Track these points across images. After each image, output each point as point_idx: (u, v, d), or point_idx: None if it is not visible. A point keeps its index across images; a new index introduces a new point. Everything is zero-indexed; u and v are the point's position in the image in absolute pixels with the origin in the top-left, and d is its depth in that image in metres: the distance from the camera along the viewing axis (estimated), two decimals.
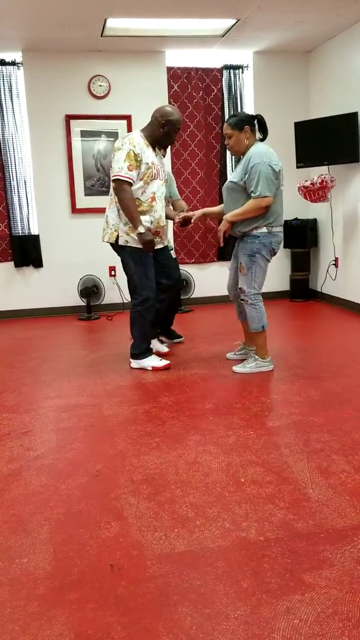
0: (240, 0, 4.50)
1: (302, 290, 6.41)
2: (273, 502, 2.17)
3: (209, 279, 6.36)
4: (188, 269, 6.28)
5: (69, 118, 5.83)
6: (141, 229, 3.61)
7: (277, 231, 3.65)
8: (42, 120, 5.80)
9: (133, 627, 1.56)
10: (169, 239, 4.62)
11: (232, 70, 6.08)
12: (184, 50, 5.81)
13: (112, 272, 6.08)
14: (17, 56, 5.67)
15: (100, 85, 5.85)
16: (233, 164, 6.13)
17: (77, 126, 5.88)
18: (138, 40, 5.45)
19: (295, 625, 1.54)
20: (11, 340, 5.12)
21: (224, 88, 6.12)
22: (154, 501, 2.21)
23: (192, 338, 4.79)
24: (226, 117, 5.87)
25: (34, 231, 6.00)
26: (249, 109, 6.11)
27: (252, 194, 3.51)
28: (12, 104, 5.74)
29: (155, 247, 3.84)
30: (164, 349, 4.25)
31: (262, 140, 3.70)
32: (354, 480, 2.31)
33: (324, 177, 5.49)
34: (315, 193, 5.60)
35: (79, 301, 6.04)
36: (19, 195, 5.88)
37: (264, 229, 3.60)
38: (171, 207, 4.43)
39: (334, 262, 5.98)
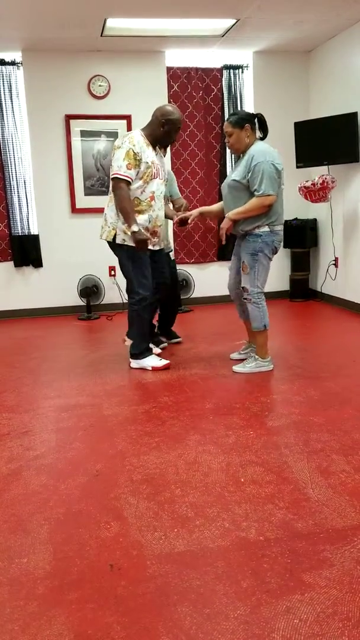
0: (240, 0, 4.50)
1: (302, 290, 6.41)
2: (273, 502, 2.17)
3: (209, 278, 6.36)
4: (188, 269, 6.28)
5: (68, 118, 5.83)
6: (135, 228, 3.61)
7: (278, 230, 3.67)
8: (42, 120, 5.80)
9: (133, 627, 1.56)
10: (169, 240, 4.61)
11: (232, 70, 6.08)
12: (183, 50, 5.81)
13: (112, 272, 6.08)
14: (17, 56, 5.67)
15: (100, 85, 5.85)
16: (233, 163, 6.12)
17: (77, 126, 5.88)
18: (138, 40, 5.45)
19: (295, 625, 1.54)
20: (11, 340, 5.11)
21: (223, 88, 6.12)
22: (153, 501, 2.21)
23: (192, 338, 4.79)
24: (226, 117, 5.87)
25: (34, 231, 6.00)
26: (249, 109, 6.10)
27: (255, 192, 3.51)
28: (12, 103, 5.74)
29: (153, 248, 3.84)
30: (156, 350, 4.23)
31: (262, 139, 3.71)
32: (353, 480, 2.31)
33: (325, 178, 5.48)
34: (316, 193, 5.60)
35: (78, 301, 6.04)
36: (18, 195, 5.88)
37: (266, 228, 3.61)
38: (171, 205, 4.42)
39: (333, 262, 5.98)
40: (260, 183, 3.48)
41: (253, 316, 3.75)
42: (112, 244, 3.84)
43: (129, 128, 5.86)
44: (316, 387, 3.45)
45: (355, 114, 5.24)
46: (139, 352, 3.95)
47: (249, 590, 1.68)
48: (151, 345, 4.18)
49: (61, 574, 1.80)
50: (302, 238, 6.23)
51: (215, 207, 4.06)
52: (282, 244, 3.77)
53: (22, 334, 5.33)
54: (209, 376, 3.75)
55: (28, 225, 5.97)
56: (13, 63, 5.67)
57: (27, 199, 5.92)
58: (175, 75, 6.01)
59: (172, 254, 4.57)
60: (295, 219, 6.24)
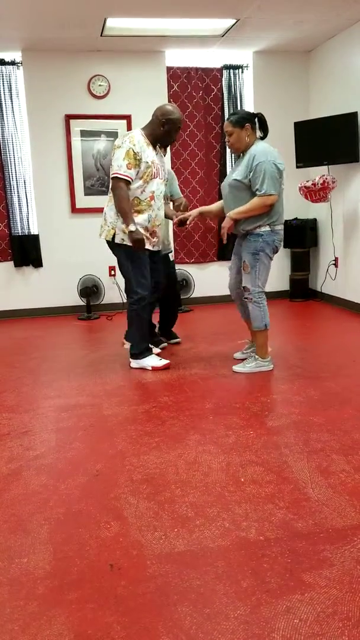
0: (240, 0, 4.50)
1: (302, 290, 6.41)
2: (273, 502, 2.17)
3: (209, 278, 6.36)
4: (188, 269, 6.28)
5: (68, 118, 5.83)
6: (132, 227, 3.62)
7: (279, 229, 3.67)
8: (42, 120, 5.80)
9: (133, 627, 1.56)
10: (170, 241, 4.60)
11: (232, 70, 6.08)
12: (183, 50, 5.81)
13: (112, 272, 6.08)
14: (17, 56, 5.67)
15: (100, 85, 5.85)
16: (233, 163, 6.12)
17: (76, 126, 5.88)
18: (138, 40, 5.45)
19: (295, 624, 1.54)
20: (11, 340, 5.11)
21: (223, 88, 6.12)
22: (153, 501, 2.21)
23: (192, 338, 4.79)
24: (226, 117, 5.87)
25: (34, 231, 6.00)
26: (249, 108, 6.09)
27: (258, 192, 3.51)
28: (12, 103, 5.74)
29: (152, 248, 3.84)
30: (156, 350, 4.22)
31: (262, 138, 3.71)
32: (353, 480, 2.31)
33: (326, 178, 5.48)
34: (317, 193, 5.60)
35: (78, 301, 6.04)
36: (18, 195, 5.88)
37: (267, 227, 3.61)
38: (171, 205, 4.41)
39: (333, 262, 5.98)
40: (262, 183, 3.49)
41: (254, 316, 3.75)
42: (111, 244, 3.84)
43: (129, 128, 5.86)
44: (316, 387, 3.45)
45: (355, 114, 5.24)
46: (139, 352, 3.95)
47: (249, 590, 1.68)
48: (150, 345, 4.19)
49: (61, 574, 1.80)
50: (302, 238, 6.23)
51: (215, 206, 4.06)
52: (282, 243, 3.78)
53: (22, 334, 5.33)
54: (209, 376, 3.75)
55: (28, 225, 5.97)
56: (13, 63, 5.67)
57: (27, 198, 5.92)
58: (175, 75, 6.01)
59: (171, 255, 4.56)
60: (295, 218, 6.24)
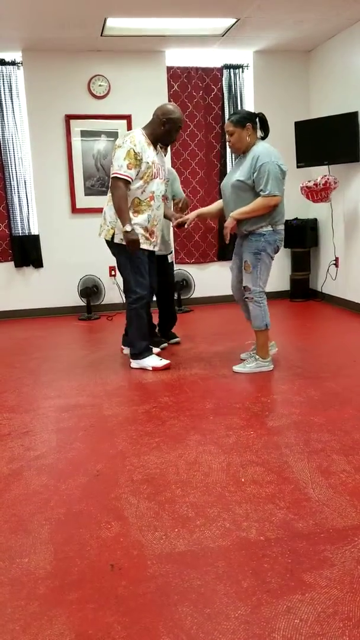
0: None
1: (302, 290, 6.40)
2: (273, 502, 2.17)
3: (209, 279, 6.36)
4: (188, 269, 6.28)
5: (68, 118, 5.83)
6: (127, 227, 3.62)
7: (280, 229, 3.68)
8: (42, 120, 5.80)
9: (133, 627, 1.56)
10: (170, 243, 4.59)
11: (232, 70, 6.08)
12: (183, 49, 5.81)
13: (112, 272, 6.08)
14: (17, 56, 5.67)
15: (100, 85, 5.85)
16: (233, 163, 6.12)
17: (77, 126, 5.88)
18: (138, 40, 5.45)
19: (295, 625, 1.54)
20: (11, 340, 5.12)
21: (224, 88, 6.12)
22: (154, 501, 2.21)
23: (192, 338, 4.79)
24: (226, 116, 5.88)
25: (34, 231, 6.00)
26: (249, 108, 6.09)
27: (262, 193, 3.51)
28: (12, 103, 5.74)
29: (151, 249, 3.84)
30: (156, 350, 4.22)
31: (263, 138, 3.71)
32: (354, 480, 2.31)
33: (328, 178, 5.48)
34: (318, 193, 5.60)
35: (79, 301, 6.04)
36: (19, 195, 5.88)
37: (269, 227, 3.61)
38: (171, 205, 4.40)
39: (334, 262, 5.98)
40: (266, 184, 3.49)
41: (254, 315, 3.75)
42: (111, 243, 3.85)
43: (129, 128, 5.85)
44: (316, 387, 3.45)
45: (355, 114, 5.23)
46: (139, 352, 3.95)
47: (249, 590, 1.68)
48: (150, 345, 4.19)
49: (62, 574, 1.80)
50: (302, 238, 6.23)
51: (213, 207, 4.06)
52: (283, 242, 3.78)
53: (22, 334, 5.34)
54: (209, 376, 3.75)
55: (28, 225, 5.98)
56: (13, 63, 5.67)
57: (27, 199, 5.92)
58: (176, 75, 6.01)
59: (170, 256, 4.55)
60: (296, 218, 6.24)
